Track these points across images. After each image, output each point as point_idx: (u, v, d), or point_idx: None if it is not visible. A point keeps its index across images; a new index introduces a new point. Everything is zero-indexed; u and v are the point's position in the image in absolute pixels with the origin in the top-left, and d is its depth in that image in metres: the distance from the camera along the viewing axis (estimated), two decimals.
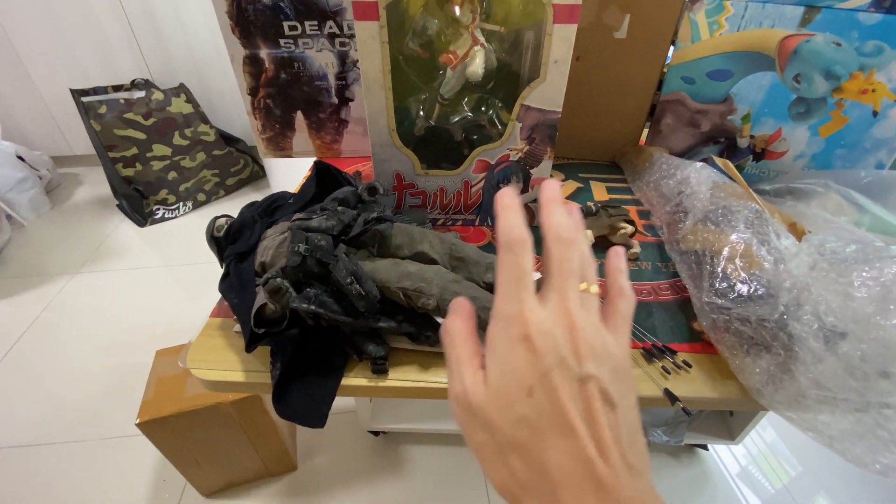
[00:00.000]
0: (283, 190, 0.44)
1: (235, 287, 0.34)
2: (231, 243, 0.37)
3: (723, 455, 1.01)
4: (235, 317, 0.36)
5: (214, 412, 0.76)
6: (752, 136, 0.57)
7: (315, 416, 0.31)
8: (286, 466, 0.95)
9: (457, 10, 0.42)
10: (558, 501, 0.19)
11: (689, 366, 0.35)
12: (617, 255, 0.27)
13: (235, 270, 0.35)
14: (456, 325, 0.25)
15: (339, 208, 0.35)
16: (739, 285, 0.34)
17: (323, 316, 0.31)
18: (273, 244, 0.34)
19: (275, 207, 0.40)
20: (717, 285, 0.35)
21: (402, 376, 0.35)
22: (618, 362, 0.22)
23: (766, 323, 0.30)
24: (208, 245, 0.39)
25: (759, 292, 0.33)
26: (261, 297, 0.31)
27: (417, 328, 0.34)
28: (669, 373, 0.35)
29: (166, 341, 1.20)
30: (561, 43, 0.39)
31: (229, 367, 0.35)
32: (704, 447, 1.01)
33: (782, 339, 0.30)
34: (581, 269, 0.23)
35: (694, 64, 0.55)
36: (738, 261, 0.35)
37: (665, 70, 0.58)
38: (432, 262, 0.35)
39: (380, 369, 0.34)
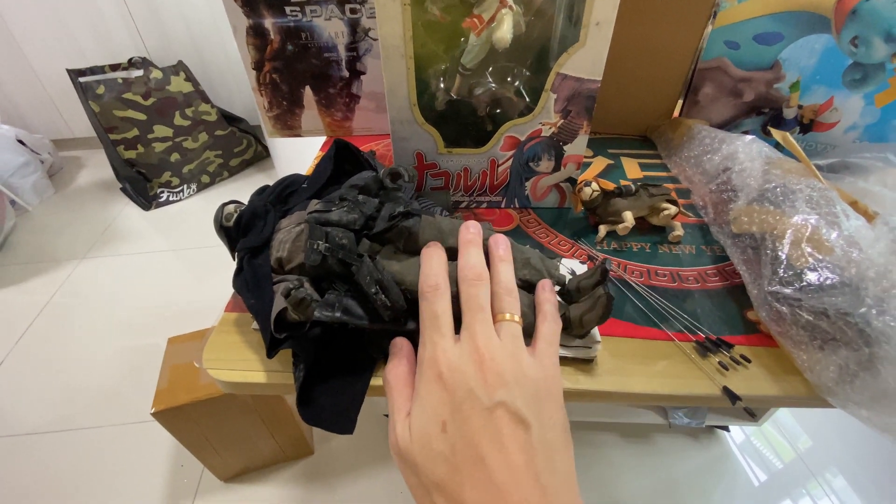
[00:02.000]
0: (295, 173, 0.41)
1: (251, 286, 0.31)
2: (242, 235, 0.34)
3: (737, 436, 0.99)
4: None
5: (230, 400, 0.75)
6: (800, 106, 0.53)
7: (344, 421, 0.28)
8: (303, 451, 0.94)
9: None
10: None
11: (748, 360, 0.32)
12: (542, 289, 0.29)
13: (250, 266, 0.32)
14: (393, 372, 0.26)
15: (360, 197, 0.32)
16: (808, 273, 0.30)
17: (347, 323, 0.28)
18: (289, 237, 0.31)
19: (288, 194, 0.37)
20: (782, 273, 0.31)
21: None
22: (537, 384, 0.23)
23: (850, 317, 0.27)
24: (217, 235, 0.36)
25: (831, 281, 0.30)
26: (279, 300, 0.28)
27: None
28: (727, 369, 0.32)
29: (178, 324, 1.19)
30: (605, 1, 0.34)
31: (249, 366, 0.33)
32: (725, 428, 0.99)
33: (867, 335, 0.26)
34: (500, 301, 0.25)
35: (740, 26, 0.50)
36: (805, 246, 0.32)
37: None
38: None
39: None
